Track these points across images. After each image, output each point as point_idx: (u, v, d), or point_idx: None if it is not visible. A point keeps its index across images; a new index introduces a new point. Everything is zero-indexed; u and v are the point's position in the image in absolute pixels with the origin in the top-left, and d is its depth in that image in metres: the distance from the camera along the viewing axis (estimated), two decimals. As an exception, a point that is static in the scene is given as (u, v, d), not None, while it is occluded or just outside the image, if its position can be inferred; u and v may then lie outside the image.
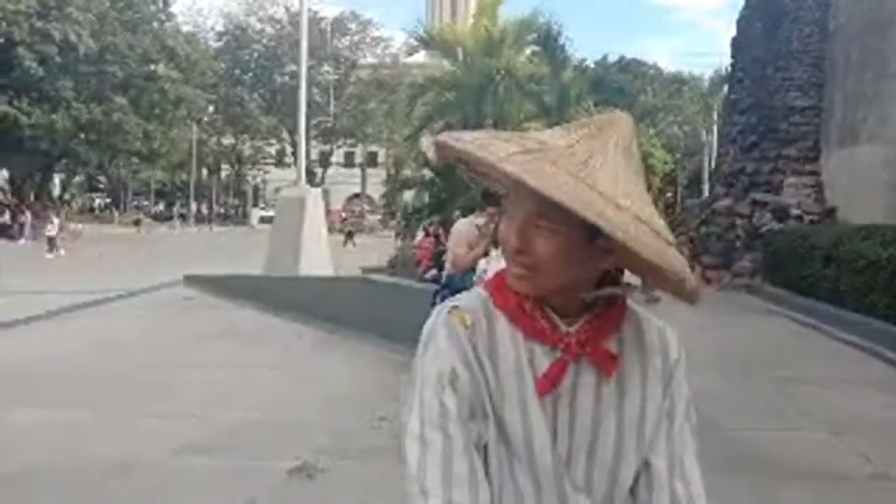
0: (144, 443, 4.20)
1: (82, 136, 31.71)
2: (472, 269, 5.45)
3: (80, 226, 34.83)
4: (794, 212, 13.01)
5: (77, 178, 45.66)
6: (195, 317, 9.02)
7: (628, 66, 47.85)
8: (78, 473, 3.69)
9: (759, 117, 13.89)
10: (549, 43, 15.95)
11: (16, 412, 4.74)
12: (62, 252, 21.68)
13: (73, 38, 29.51)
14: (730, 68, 15.88)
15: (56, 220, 22.45)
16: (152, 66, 32.95)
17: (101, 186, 53.41)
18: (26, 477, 3.64)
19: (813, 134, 13.56)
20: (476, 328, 0.96)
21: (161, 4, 36.05)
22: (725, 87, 17.30)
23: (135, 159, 36.20)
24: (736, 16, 15.02)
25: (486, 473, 0.94)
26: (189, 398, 5.23)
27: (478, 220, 6.21)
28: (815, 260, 10.01)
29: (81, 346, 7.14)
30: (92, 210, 45.26)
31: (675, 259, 0.86)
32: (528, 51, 17.60)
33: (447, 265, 6.51)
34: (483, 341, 0.95)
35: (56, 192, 41.39)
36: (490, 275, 3.06)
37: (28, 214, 30.97)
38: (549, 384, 0.94)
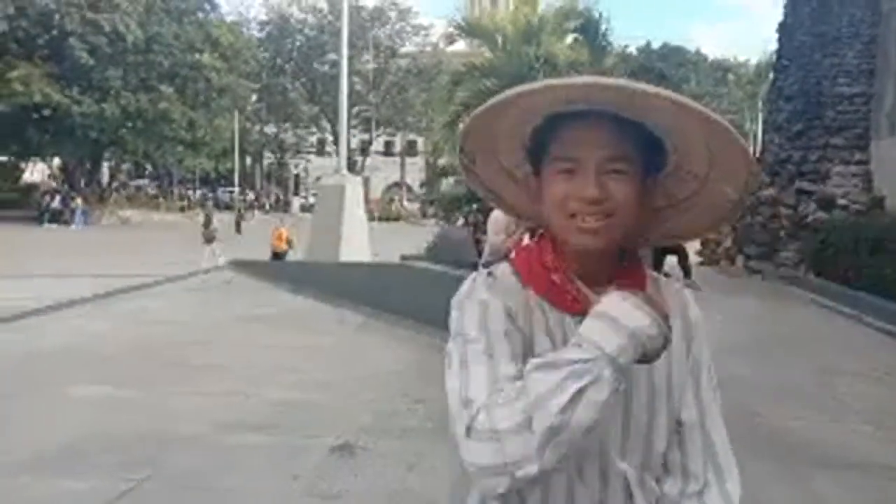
0: (193, 420, 4.37)
1: (130, 124, 32.50)
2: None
3: (128, 212, 35.80)
4: (841, 201, 12.70)
5: (125, 166, 46.84)
6: (239, 300, 9.27)
7: (671, 53, 47.03)
8: (131, 448, 3.87)
9: (806, 105, 13.56)
10: (590, 30, 15.80)
11: (73, 388, 4.97)
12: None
13: (121, 28, 30.23)
14: (776, 54, 15.53)
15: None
16: (197, 56, 33.55)
17: (148, 174, 54.68)
18: (82, 450, 3.84)
19: (862, 122, 13.18)
20: (513, 292, 0.98)
21: (206, -6, 36.68)
22: (771, 74, 16.92)
23: (180, 147, 36.95)
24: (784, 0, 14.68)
25: None
26: (235, 377, 5.42)
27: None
28: (861, 250, 9.79)
29: (132, 326, 7.42)
30: (139, 197, 46.34)
31: (740, 140, 0.91)
32: (568, 38, 17.46)
33: (485, 253, 6.58)
34: (520, 306, 0.98)
35: (104, 179, 42.50)
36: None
37: (79, 200, 31.93)
38: None
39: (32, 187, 42.04)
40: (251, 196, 52.33)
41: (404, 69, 52.13)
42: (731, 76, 44.71)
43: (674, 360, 1.02)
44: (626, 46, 37.17)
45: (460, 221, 16.64)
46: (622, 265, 1.01)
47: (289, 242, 16.56)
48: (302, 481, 3.50)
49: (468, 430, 0.85)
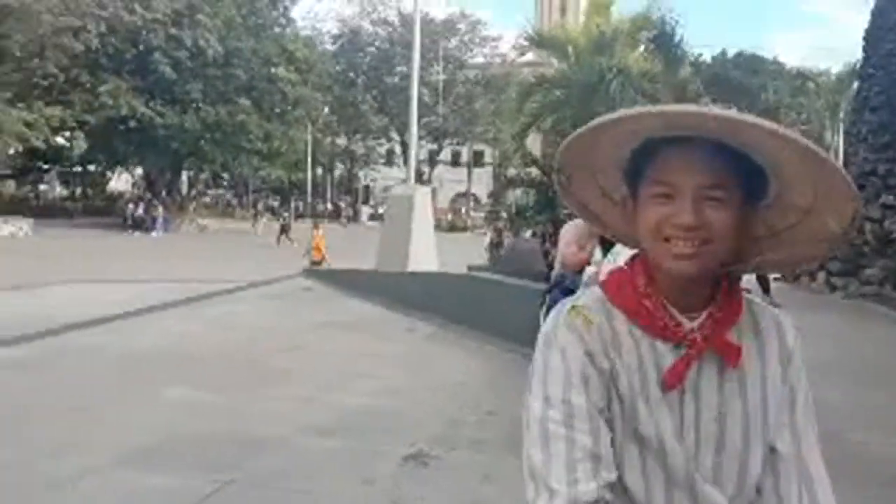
0: (273, 423, 4.54)
1: (209, 135, 33.76)
2: (582, 269, 5.49)
3: (206, 220, 37.19)
4: (930, 217, 12.10)
5: (203, 175, 48.65)
6: (314, 307, 9.52)
7: (747, 61, 45.67)
8: (213, 450, 4.04)
9: (893, 115, 12.99)
10: (664, 39, 15.54)
11: (163, 389, 5.23)
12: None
13: (202, 43, 31.52)
14: (861, 63, 14.92)
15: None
16: (273, 69, 34.65)
17: (225, 183, 56.64)
18: (172, 449, 4.03)
19: (954, 133, 12.54)
20: (598, 326, 0.97)
21: (282, 10, 37.86)
22: (855, 84, 16.25)
23: (256, 158, 38.17)
24: (871, 6, 14.12)
25: (616, 470, 0.95)
26: (311, 383, 5.59)
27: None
28: (954, 269, 9.30)
29: (218, 330, 7.75)
30: (216, 205, 48.07)
31: (846, 176, 0.89)
32: (641, 47, 17.23)
33: (556, 265, 6.57)
34: (605, 339, 0.97)
35: (184, 188, 44.28)
36: (603, 275, 3.10)
37: (161, 208, 33.36)
38: (675, 379, 0.96)
39: (118, 196, 44.18)
40: (329, 207, 53.50)
41: (473, 80, 52.43)
42: (811, 85, 43.04)
43: (769, 385, 1.00)
44: (699, 55, 36.33)
45: (528, 232, 16.62)
46: (718, 292, 0.99)
47: (321, 251, 16.73)
48: (377, 486, 3.60)
49: None
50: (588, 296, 1.03)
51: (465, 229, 45.87)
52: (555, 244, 9.73)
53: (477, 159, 58.59)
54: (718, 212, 0.91)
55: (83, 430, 4.33)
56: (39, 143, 28.89)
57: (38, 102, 28.77)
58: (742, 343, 0.99)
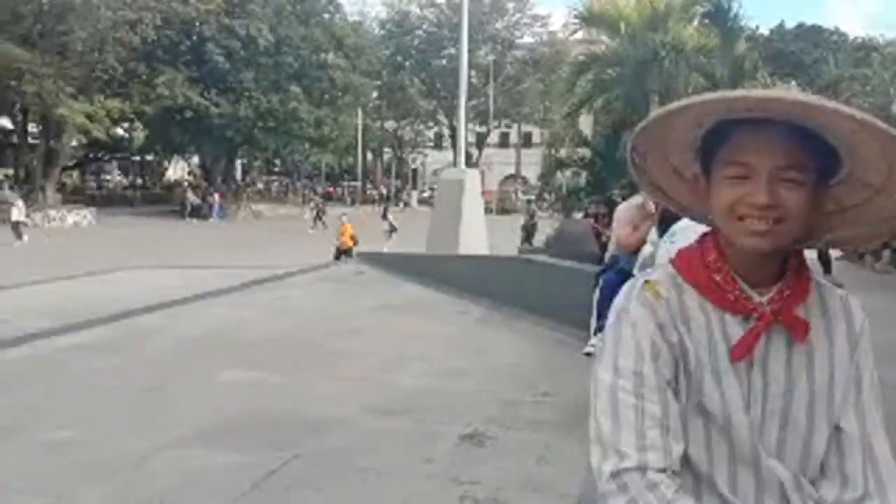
0: (332, 403, 4.64)
1: (261, 123, 34.33)
2: (637, 251, 5.43)
3: (260, 206, 37.97)
4: None
5: (256, 163, 49.60)
6: (367, 291, 9.66)
7: (807, 33, 43.99)
8: (276, 429, 4.16)
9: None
10: (720, 13, 15.10)
11: (223, 371, 5.40)
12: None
13: (254, 32, 31.98)
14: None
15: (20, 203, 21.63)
16: (323, 56, 34.97)
17: (277, 170, 57.66)
18: (235, 429, 4.17)
19: None
20: (669, 301, 1.01)
21: (331, -3, 38.12)
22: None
23: (307, 144, 38.71)
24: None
25: (682, 442, 0.98)
26: (368, 364, 5.69)
27: (637, 199, 6.14)
28: None
29: (272, 314, 7.94)
30: (269, 192, 49.00)
31: None
32: (695, 22, 16.78)
33: (610, 246, 6.51)
34: (675, 313, 1.00)
35: (238, 175, 45.23)
36: (664, 255, 3.05)
37: (216, 196, 34.18)
38: (743, 350, 0.98)
39: (175, 184, 45.41)
40: (383, 191, 53.98)
41: (521, 60, 51.92)
42: (875, 56, 41.18)
43: (836, 364, 1.02)
44: (756, 28, 35.14)
45: (580, 214, 16.44)
46: (788, 269, 1.02)
47: (353, 238, 16.70)
48: (436, 465, 3.66)
49: (614, 475, 0.95)
50: (660, 272, 1.06)
51: (514, 211, 45.65)
52: (607, 225, 9.63)
53: (526, 141, 58.18)
54: (792, 192, 0.93)
55: (152, 410, 4.52)
56: (101, 135, 29.84)
57: (98, 95, 29.70)
58: (810, 323, 1.01)
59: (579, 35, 22.20)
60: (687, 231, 2.79)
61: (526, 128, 57.20)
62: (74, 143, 32.88)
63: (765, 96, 0.90)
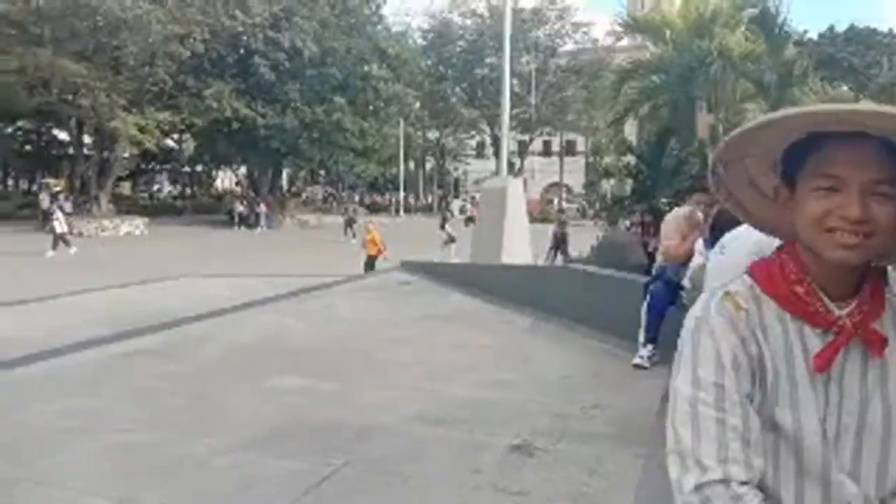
0: (380, 411, 4.68)
1: (307, 134, 34.91)
2: (686, 261, 5.35)
3: (305, 216, 38.58)
4: None
5: (301, 173, 50.43)
6: (413, 299, 9.72)
7: (859, 36, 42.81)
8: (325, 436, 4.22)
9: None
10: (767, 18, 14.80)
11: (273, 378, 5.50)
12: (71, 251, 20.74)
13: (299, 44, 32.56)
14: None
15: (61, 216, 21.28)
16: (367, 67, 35.42)
17: (321, 180, 58.49)
18: (286, 435, 4.23)
19: None
20: (748, 312, 1.00)
21: (374, 8, 38.58)
22: None
23: (351, 154, 39.21)
24: None
25: (762, 454, 0.97)
26: (415, 373, 5.73)
27: (684, 209, 6.06)
28: None
29: (319, 322, 8.05)
30: (313, 201, 49.78)
31: None
32: (742, 28, 16.51)
33: (658, 256, 6.44)
34: (754, 325, 1.00)
35: (284, 185, 46.05)
36: (720, 266, 2.99)
37: (263, 205, 34.83)
38: (824, 363, 0.98)
39: (223, 194, 46.40)
40: (424, 201, 54.48)
41: (564, 68, 51.74)
42: (934, 58, 39.82)
43: None
44: (805, 32, 34.31)
45: (626, 223, 16.27)
46: (866, 284, 1.01)
47: (380, 246, 16.18)
48: (485, 476, 3.66)
49: (697, 488, 0.94)
50: (738, 283, 1.06)
51: (565, 219, 45.37)
52: (653, 235, 9.50)
53: (569, 149, 57.86)
54: (884, 206, 0.93)
55: (205, 415, 4.63)
56: (152, 146, 30.73)
57: (149, 108, 30.60)
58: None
59: (623, 42, 22.06)
60: (737, 243, 2.75)
61: (569, 136, 56.91)
62: (127, 154, 33.90)
63: (857, 109, 0.91)
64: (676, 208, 6.51)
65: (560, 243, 19.54)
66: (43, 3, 26.29)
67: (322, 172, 53.16)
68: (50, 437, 4.12)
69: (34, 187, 43.15)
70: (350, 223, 28.40)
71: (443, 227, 21.86)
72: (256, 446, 4.02)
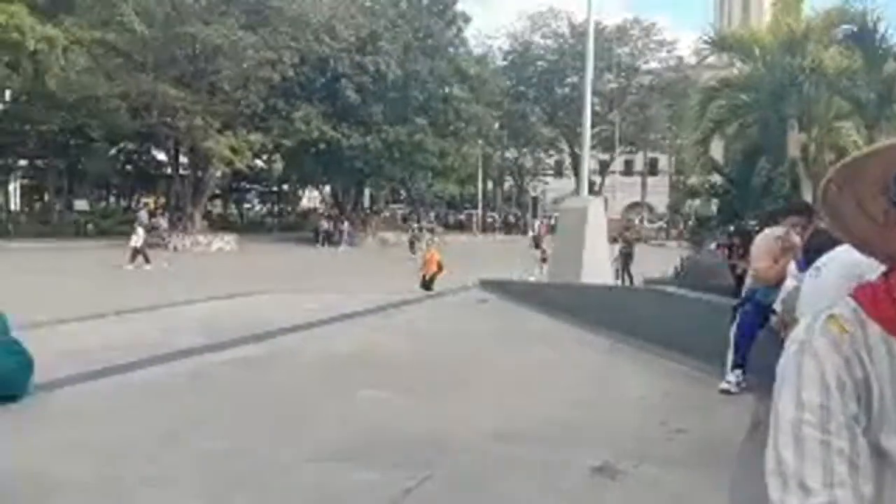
0: (461, 427, 4.74)
1: (388, 154, 35.69)
2: (778, 284, 5.19)
3: (387, 234, 39.31)
4: None
5: (383, 192, 51.45)
6: (490, 318, 9.77)
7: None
8: (408, 449, 4.31)
9: None
10: (865, 34, 14.19)
11: (360, 390, 5.65)
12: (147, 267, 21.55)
13: (383, 67, 33.43)
14: None
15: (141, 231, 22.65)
16: (447, 89, 35.97)
17: (402, 199, 59.48)
18: (372, 447, 4.34)
19: None
20: (853, 335, 0.99)
21: (455, 31, 39.20)
22: None
23: (430, 174, 39.81)
24: None
25: (871, 480, 0.94)
26: (493, 390, 5.77)
27: (777, 230, 5.87)
28: None
29: (400, 338, 8.21)
30: (394, 219, 50.67)
31: None
32: (836, 44, 15.88)
33: (748, 279, 6.25)
34: (860, 348, 0.98)
35: (366, 204, 47.10)
36: (818, 288, 2.91)
37: (346, 223, 35.74)
38: None
39: (308, 212, 47.86)
40: (511, 219, 54.71)
41: (647, 86, 50.96)
42: None
43: None
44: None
45: (712, 244, 15.82)
46: None
47: (439, 265, 16.16)
48: (567, 496, 3.66)
49: None
50: (841, 305, 1.05)
51: (638, 240, 44.49)
52: (742, 257, 9.22)
53: (651, 168, 56.76)
54: None
55: (294, 424, 4.81)
56: (243, 166, 32.10)
57: (242, 129, 32.02)
58: None
59: (710, 59, 21.56)
60: (834, 264, 2.68)
61: (652, 154, 55.86)
62: (219, 173, 35.52)
63: None
64: (767, 229, 6.32)
65: (627, 260, 19.09)
66: (147, 33, 28.04)
67: (402, 191, 54.06)
68: (148, 441, 4.39)
69: (133, 205, 45.71)
70: (413, 242, 28.94)
71: (537, 245, 21.79)
72: (341, 457, 4.15)
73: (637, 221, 52.52)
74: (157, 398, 5.42)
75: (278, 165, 41.51)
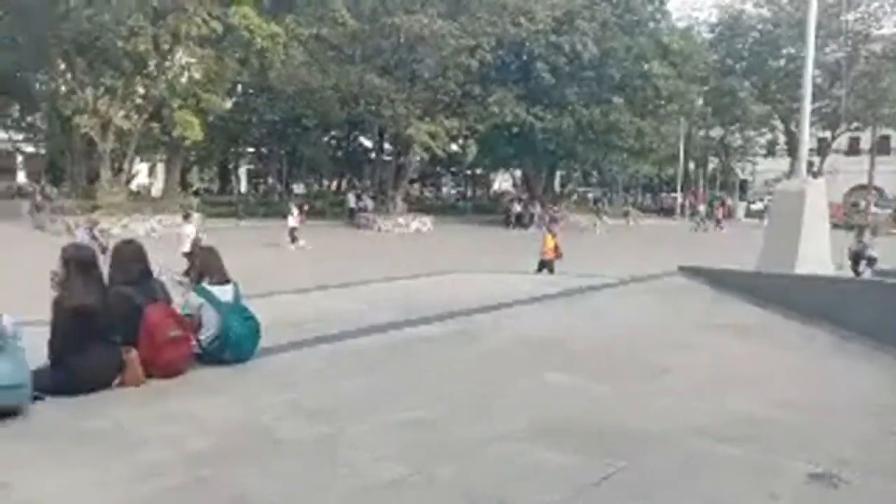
0: (658, 419, 4.51)
1: (582, 136, 35.04)
2: None
3: (577, 217, 38.71)
4: None
5: (575, 174, 50.72)
6: (693, 306, 9.25)
7: None
8: (601, 437, 4.17)
9: None
10: None
11: (550, 374, 5.60)
12: (300, 244, 22.71)
13: (578, 47, 32.79)
14: None
15: (295, 212, 23.92)
16: (646, 65, 34.44)
17: (594, 181, 58.22)
18: (558, 432, 4.23)
19: None
20: None
21: (657, 4, 37.34)
22: None
23: (625, 155, 38.51)
24: None
25: None
26: (694, 383, 5.43)
27: None
28: None
29: (594, 323, 8.05)
30: (585, 202, 49.81)
31: None
32: None
33: None
34: None
35: (557, 186, 46.71)
36: None
37: (537, 206, 35.77)
38: None
39: (500, 195, 48.55)
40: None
41: (880, 54, 45.09)
42: None
43: None
44: None
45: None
46: None
47: (555, 251, 15.92)
48: (782, 502, 3.34)
49: None
50: None
51: (865, 226, 39.74)
52: None
53: (882, 146, 50.38)
54: None
55: (487, 401, 4.87)
56: (440, 151, 33.28)
57: (440, 116, 33.13)
58: None
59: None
60: None
61: (883, 131, 49.52)
62: (419, 158, 37.14)
63: None
64: None
65: (858, 259, 17.03)
66: (357, 26, 29.88)
67: (595, 173, 52.89)
68: (356, 406, 4.69)
69: (342, 188, 49.27)
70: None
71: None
72: (531, 438, 4.13)
73: (863, 206, 47.02)
74: (365, 367, 5.79)
75: (472, 149, 42.50)
